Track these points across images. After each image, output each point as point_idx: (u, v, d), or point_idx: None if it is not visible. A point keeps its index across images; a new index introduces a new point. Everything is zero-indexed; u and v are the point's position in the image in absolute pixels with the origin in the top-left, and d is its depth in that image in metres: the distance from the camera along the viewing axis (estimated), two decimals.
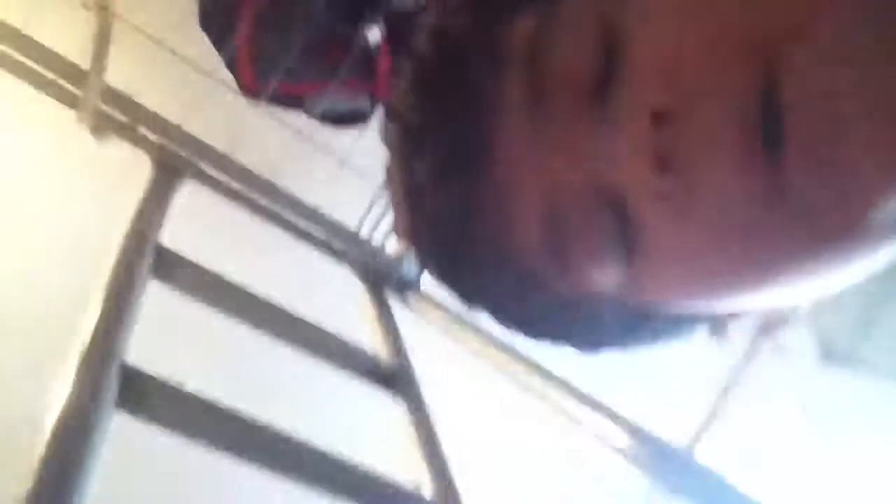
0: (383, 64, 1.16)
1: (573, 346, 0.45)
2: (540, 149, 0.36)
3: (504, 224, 0.38)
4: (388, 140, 0.42)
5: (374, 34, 1.12)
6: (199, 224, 1.16)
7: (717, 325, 0.44)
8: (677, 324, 0.43)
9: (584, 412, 0.99)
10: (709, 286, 0.36)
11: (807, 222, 0.32)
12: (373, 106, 1.18)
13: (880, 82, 0.30)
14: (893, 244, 0.34)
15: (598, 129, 0.35)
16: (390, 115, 0.41)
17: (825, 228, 0.32)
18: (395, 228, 0.45)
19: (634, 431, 0.90)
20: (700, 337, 0.45)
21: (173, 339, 1.09)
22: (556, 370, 1.07)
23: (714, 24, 0.32)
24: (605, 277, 0.38)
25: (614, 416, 0.96)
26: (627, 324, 0.42)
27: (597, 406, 0.98)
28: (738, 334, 0.45)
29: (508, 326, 0.44)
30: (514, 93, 0.37)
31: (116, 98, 0.96)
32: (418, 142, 0.39)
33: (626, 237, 0.36)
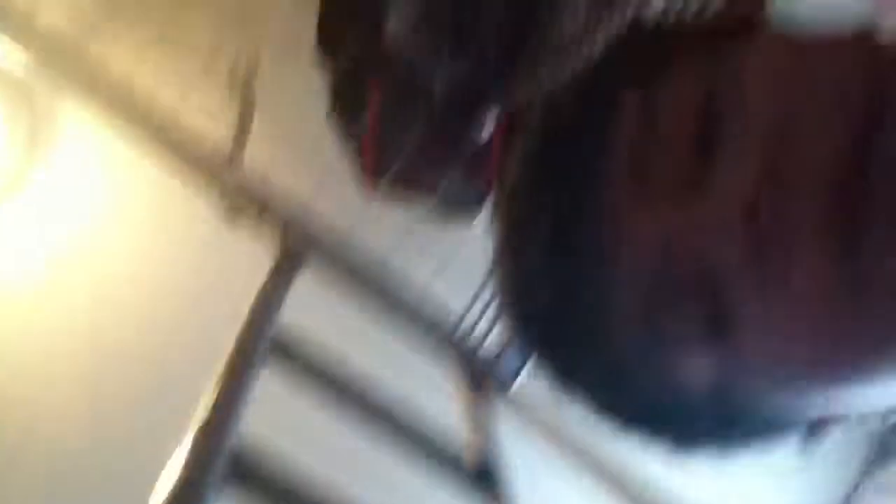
0: (495, 159, 1.18)
1: (664, 441, 0.44)
2: (644, 229, 0.37)
3: (606, 298, 0.38)
4: (497, 232, 0.42)
5: (487, 131, 1.15)
6: (313, 309, 1.19)
7: (811, 432, 0.43)
8: (769, 427, 0.42)
9: None
10: (797, 375, 0.36)
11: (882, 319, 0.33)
12: (481, 199, 1.20)
13: None
14: None
15: (701, 209, 0.35)
16: (500, 203, 0.42)
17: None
18: (503, 320, 0.45)
19: None
20: (794, 446, 0.43)
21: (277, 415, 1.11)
22: (649, 480, 1.03)
23: (816, 119, 0.34)
24: (699, 360, 0.37)
25: None
26: (719, 421, 0.41)
27: None
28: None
29: (602, 412, 0.44)
30: (623, 163, 0.37)
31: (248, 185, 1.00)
32: (531, 225, 0.40)
33: (725, 314, 0.36)
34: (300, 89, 1.04)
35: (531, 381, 1.22)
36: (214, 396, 0.74)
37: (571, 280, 0.39)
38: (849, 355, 0.34)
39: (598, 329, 0.39)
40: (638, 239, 0.37)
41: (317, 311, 1.17)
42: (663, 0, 0.92)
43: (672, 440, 0.44)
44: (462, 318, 1.23)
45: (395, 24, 1.08)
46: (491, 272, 0.45)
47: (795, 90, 0.35)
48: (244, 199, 1.01)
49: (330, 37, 1.11)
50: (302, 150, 1.06)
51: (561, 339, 0.41)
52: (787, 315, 0.34)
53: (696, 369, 0.38)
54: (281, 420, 1.13)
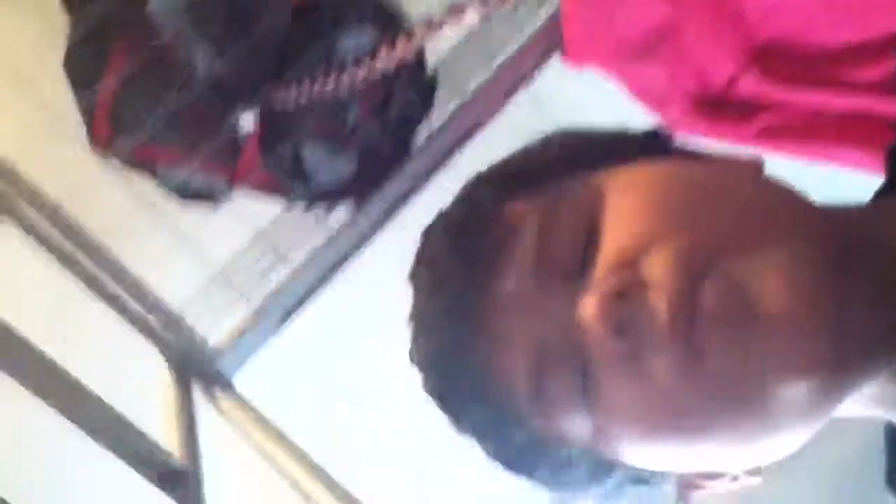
0: (248, 153, 1.14)
1: (544, 483, 0.50)
2: (533, 309, 0.44)
3: (499, 365, 0.45)
4: (413, 276, 0.50)
5: (248, 122, 1.10)
6: (10, 271, 1.07)
7: (684, 489, 0.51)
8: (637, 480, 0.49)
9: None
10: (648, 435, 0.43)
11: (720, 393, 0.41)
12: (227, 190, 1.15)
13: (793, 290, 0.39)
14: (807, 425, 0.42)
15: (576, 301, 0.43)
16: (419, 257, 0.50)
17: (733, 401, 0.41)
18: (409, 352, 0.50)
19: None
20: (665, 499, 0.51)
21: None
22: (357, 493, 1.03)
23: (678, 237, 0.42)
24: (575, 423, 0.45)
25: None
26: (593, 472, 0.48)
27: None
28: None
29: (489, 455, 0.50)
30: (518, 261, 0.45)
31: None
32: (434, 286, 0.47)
33: (590, 386, 0.43)
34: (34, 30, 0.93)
35: (254, 377, 1.18)
36: None
37: (466, 338, 0.46)
38: (682, 427, 0.42)
39: (490, 383, 0.46)
40: (530, 314, 0.44)
41: (13, 271, 1.06)
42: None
43: (548, 481, 0.50)
44: (190, 303, 1.16)
45: None
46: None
47: (651, 215, 0.43)
48: None
49: None
50: (27, 91, 0.95)
51: (459, 387, 0.47)
52: (643, 387, 0.42)
53: (574, 426, 0.45)
54: None
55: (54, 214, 1.00)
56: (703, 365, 0.40)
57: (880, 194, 0.53)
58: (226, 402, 1.12)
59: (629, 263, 0.42)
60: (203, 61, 1.09)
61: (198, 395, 1.10)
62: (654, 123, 0.54)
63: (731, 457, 0.45)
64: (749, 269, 0.40)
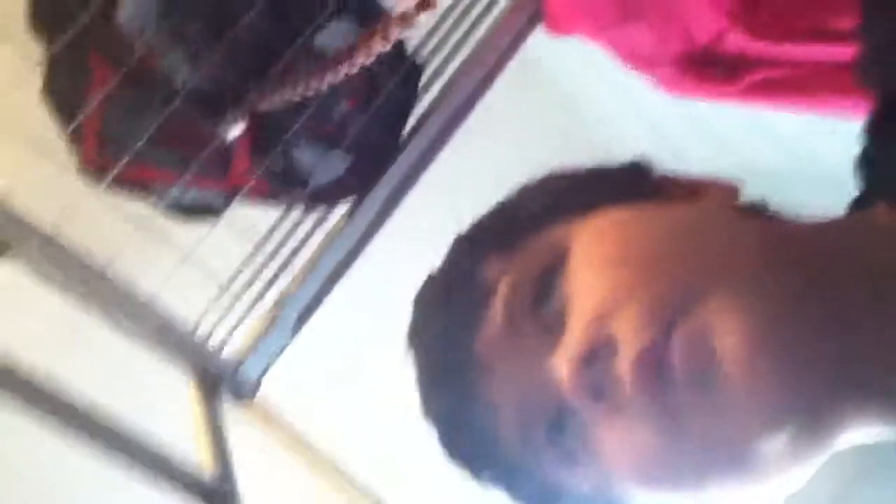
0: (239, 162, 1.12)
1: None
2: (510, 368, 0.46)
3: (493, 419, 0.47)
4: (411, 338, 0.52)
5: (234, 131, 1.08)
6: (18, 307, 1.05)
7: None
8: None
9: None
10: (651, 486, 0.44)
11: (700, 447, 0.41)
12: (225, 203, 1.13)
13: (749, 347, 0.39)
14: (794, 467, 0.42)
15: (549, 359, 0.44)
16: (415, 304, 0.52)
17: (712, 455, 0.41)
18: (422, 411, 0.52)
19: None
20: None
21: None
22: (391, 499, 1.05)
23: (644, 289, 0.42)
24: (574, 472, 0.46)
25: None
26: None
27: None
28: None
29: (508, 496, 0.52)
30: (497, 316, 0.47)
31: None
32: (428, 345, 0.50)
33: (578, 438, 0.44)
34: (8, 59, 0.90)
35: (273, 389, 1.18)
36: None
37: (462, 398, 0.48)
38: (670, 475, 0.43)
39: (492, 439, 0.48)
40: (505, 374, 0.46)
41: (26, 311, 1.04)
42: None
43: None
44: (199, 322, 1.15)
45: (133, 9, 0.97)
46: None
47: (613, 270, 0.43)
48: None
49: (47, 8, 0.97)
50: (8, 128, 0.92)
51: (469, 446, 0.50)
52: (623, 440, 0.42)
53: (574, 478, 0.47)
54: None
55: (53, 248, 0.97)
56: (680, 424, 0.41)
57: (854, 206, 0.50)
58: (251, 412, 1.12)
59: (598, 320, 0.42)
60: (181, 70, 1.06)
61: (224, 408, 1.10)
62: (633, 157, 0.54)
63: (736, 499, 0.44)
64: (710, 321, 0.40)
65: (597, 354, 0.41)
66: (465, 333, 0.47)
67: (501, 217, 0.52)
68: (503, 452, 0.48)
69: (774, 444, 0.40)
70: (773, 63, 1.10)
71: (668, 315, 0.40)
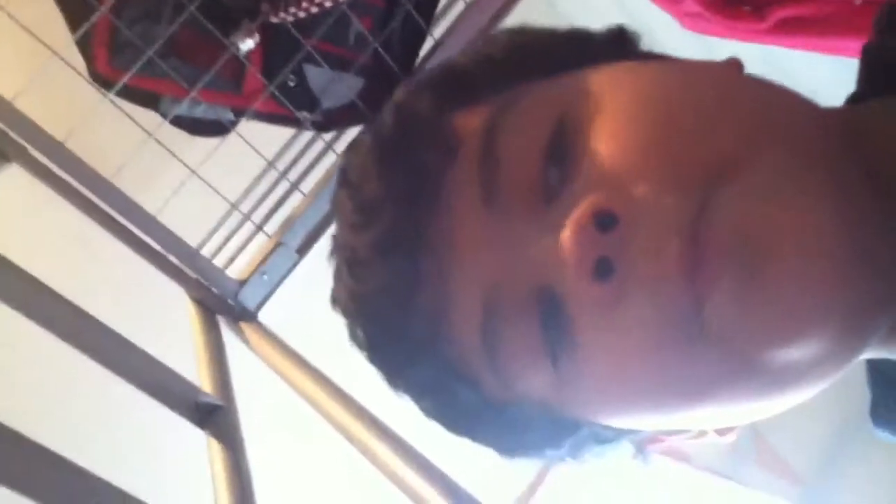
0: (251, 80, 1.10)
1: (491, 446, 0.45)
2: (487, 241, 0.37)
3: (442, 311, 0.38)
4: (336, 205, 0.42)
5: (247, 44, 1.06)
6: (23, 214, 1.04)
7: (641, 445, 0.44)
8: (601, 440, 0.43)
9: (409, 473, 0.94)
10: (630, 397, 0.36)
11: (722, 351, 0.33)
12: (235, 118, 1.11)
13: (809, 226, 0.32)
14: (815, 383, 0.36)
15: (545, 228, 0.35)
16: (342, 183, 0.42)
17: (737, 361, 0.34)
18: (331, 293, 0.44)
19: (454, 491, 0.87)
20: (624, 456, 0.44)
21: None
22: (394, 426, 1.03)
23: (679, 147, 0.34)
24: (535, 377, 0.38)
25: (439, 477, 0.92)
26: (550, 433, 0.42)
27: (425, 465, 0.95)
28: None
29: (428, 414, 0.44)
30: (466, 183, 0.37)
31: None
32: (367, 214, 0.39)
33: (559, 335, 0.36)
34: None
35: (276, 310, 1.17)
36: None
37: (407, 275, 0.38)
38: (680, 381, 0.35)
39: (433, 330, 0.39)
40: (479, 247, 0.37)
41: (23, 218, 1.03)
42: None
43: (498, 444, 0.44)
44: (207, 238, 1.14)
45: None
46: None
47: (643, 122, 0.35)
48: None
49: None
50: (7, 33, 0.90)
51: (392, 336, 0.41)
52: (628, 341, 0.34)
53: (534, 382, 0.38)
54: None
55: (60, 153, 0.96)
56: (707, 318, 0.33)
57: (854, 100, 0.45)
58: (252, 334, 1.10)
59: (617, 182, 0.34)
60: None
61: (225, 329, 1.09)
62: (618, 24, 0.45)
63: (726, 416, 0.38)
64: (764, 187, 0.33)
65: (615, 218, 0.33)
66: (421, 198, 0.38)
67: (472, 63, 0.43)
68: (448, 348, 0.39)
69: (804, 351, 0.33)
70: (801, 0, 1.07)
71: (710, 177, 0.33)
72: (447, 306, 0.38)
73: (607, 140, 0.35)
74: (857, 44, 1.11)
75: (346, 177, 0.42)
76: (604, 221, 0.33)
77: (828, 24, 1.08)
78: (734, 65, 0.42)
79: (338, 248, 0.43)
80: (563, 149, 0.36)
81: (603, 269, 0.33)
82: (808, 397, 0.37)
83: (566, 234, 0.34)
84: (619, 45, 0.45)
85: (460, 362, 0.39)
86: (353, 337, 0.44)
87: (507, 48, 0.43)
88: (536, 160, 0.36)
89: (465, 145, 0.38)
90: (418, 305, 0.39)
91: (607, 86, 0.38)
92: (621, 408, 0.38)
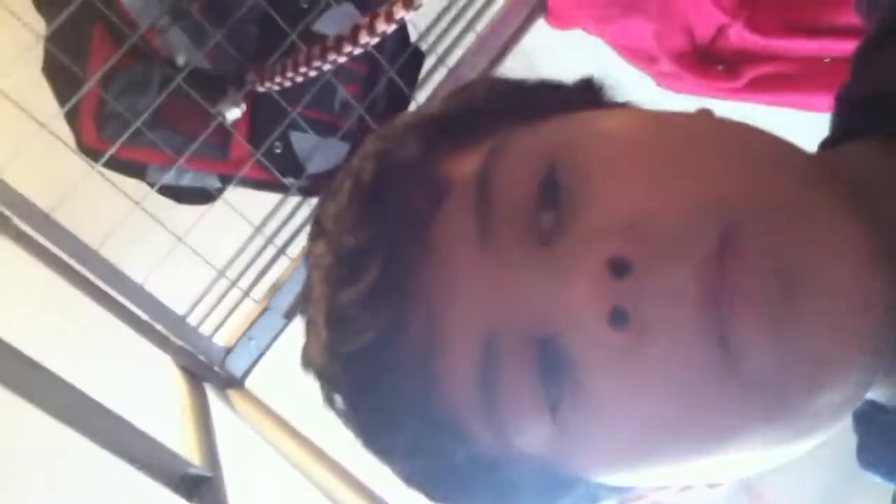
0: (238, 146, 1.11)
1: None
2: (482, 286, 0.35)
3: (435, 364, 0.36)
4: (312, 259, 0.39)
5: (234, 113, 1.07)
6: (5, 282, 1.03)
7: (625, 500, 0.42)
8: (595, 499, 0.41)
9: None
10: (649, 446, 0.35)
11: (756, 392, 0.32)
12: (222, 185, 1.12)
13: (838, 259, 0.31)
14: (832, 427, 0.34)
15: (547, 273, 0.34)
16: (318, 236, 0.39)
17: (773, 402, 0.32)
18: (302, 354, 0.41)
19: None
20: None
21: None
22: (380, 490, 1.01)
23: (685, 185, 0.33)
24: (534, 429, 0.35)
25: None
26: (544, 492, 0.39)
27: None
28: None
29: (412, 480, 0.41)
30: (459, 229, 0.35)
31: None
32: (352, 265, 0.36)
33: (560, 383, 0.34)
34: (10, 38, 0.89)
35: (264, 376, 1.16)
36: None
37: (397, 329, 0.36)
38: (701, 431, 0.33)
39: (424, 387, 0.36)
40: (476, 294, 0.35)
41: (8, 287, 1.02)
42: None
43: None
44: (194, 305, 1.13)
45: None
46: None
47: (647, 162, 0.34)
48: None
49: None
50: (5, 101, 0.91)
51: (377, 392, 0.38)
52: (647, 387, 0.33)
53: (532, 437, 0.36)
54: None
55: (46, 223, 0.96)
56: (738, 358, 0.31)
57: (827, 145, 0.45)
58: (239, 401, 1.09)
59: (625, 224, 0.32)
60: (182, 50, 1.06)
61: (212, 396, 1.08)
62: (587, 74, 0.45)
63: (731, 468, 0.36)
64: (789, 223, 0.32)
65: (628, 265, 0.31)
66: (409, 246, 0.36)
67: (454, 108, 0.41)
68: (439, 405, 0.36)
69: (842, 390, 0.32)
70: (774, 58, 1.10)
71: (722, 215, 0.32)
72: (441, 358, 0.36)
73: (608, 183, 0.34)
74: (825, 99, 1.14)
75: (322, 228, 0.39)
76: (617, 268, 0.32)
77: (798, 81, 1.11)
78: (708, 112, 0.42)
79: (313, 304, 0.39)
80: (557, 192, 0.35)
81: (618, 317, 0.32)
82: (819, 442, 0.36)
83: (581, 283, 0.32)
84: (591, 93, 0.44)
85: (453, 418, 0.37)
86: (329, 400, 0.41)
87: (487, 95, 0.42)
88: (530, 204, 0.35)
89: (456, 191, 0.36)
90: (408, 361, 0.36)
91: (599, 129, 0.37)
92: (633, 459, 0.36)
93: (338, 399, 0.40)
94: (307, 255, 0.41)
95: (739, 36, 1.10)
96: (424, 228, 0.36)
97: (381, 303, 0.36)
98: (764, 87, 1.12)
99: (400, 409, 0.38)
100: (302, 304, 0.41)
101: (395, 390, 0.37)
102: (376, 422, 0.40)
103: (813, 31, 1.07)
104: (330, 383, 0.40)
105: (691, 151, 0.35)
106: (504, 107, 0.41)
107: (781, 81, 1.11)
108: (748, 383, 0.31)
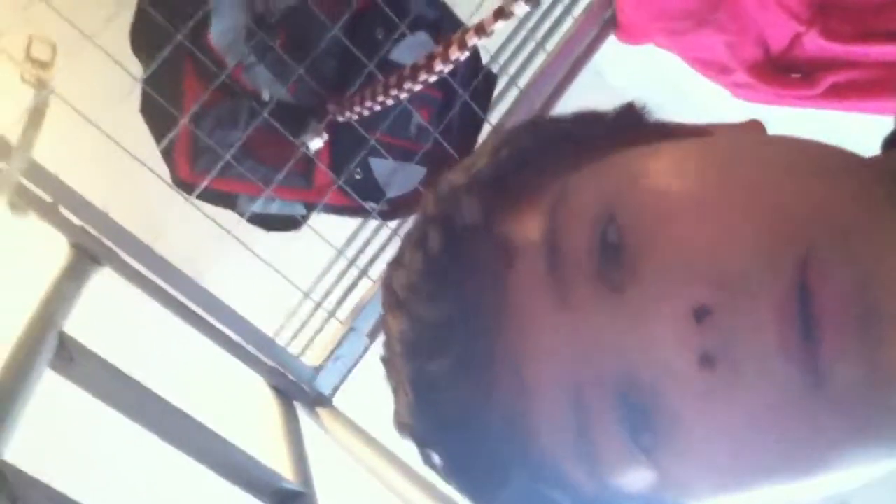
0: (321, 174, 1.16)
1: None
2: (565, 340, 0.35)
3: (529, 423, 0.37)
4: (396, 335, 0.40)
5: (316, 143, 1.12)
6: (110, 313, 1.09)
7: None
8: None
9: None
10: (738, 477, 0.35)
11: (845, 408, 0.32)
12: (307, 213, 1.17)
13: None
14: None
15: (624, 320, 0.34)
16: (395, 308, 0.40)
17: (861, 416, 0.33)
18: (395, 419, 0.42)
19: None
20: None
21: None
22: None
23: (747, 219, 0.33)
24: (631, 470, 0.36)
25: None
26: None
27: None
28: None
29: None
30: (535, 289, 0.36)
31: (41, 175, 0.91)
32: (436, 338, 0.37)
33: (653, 430, 0.35)
34: (100, 82, 0.96)
35: (350, 395, 1.19)
36: None
37: (488, 393, 0.37)
38: (798, 449, 0.34)
39: (525, 446, 0.37)
40: (560, 349, 0.36)
41: (116, 315, 1.09)
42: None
43: None
44: (282, 327, 1.18)
45: (223, 27, 1.03)
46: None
47: (706, 197, 0.34)
48: (34, 192, 0.91)
49: (146, 29, 1.04)
50: (101, 146, 0.98)
51: (482, 459, 0.39)
52: (740, 421, 0.33)
53: (630, 476, 0.37)
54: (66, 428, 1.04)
55: (149, 256, 1.02)
56: (825, 382, 0.32)
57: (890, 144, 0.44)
58: (328, 419, 1.13)
59: (696, 266, 0.33)
60: (267, 84, 1.11)
61: (301, 415, 1.12)
62: (626, 102, 0.45)
63: (832, 485, 0.36)
64: (851, 246, 0.32)
65: (708, 309, 0.32)
66: (488, 311, 0.37)
67: (501, 165, 0.41)
68: (539, 459, 0.37)
69: None
70: (851, 64, 1.09)
71: (801, 239, 0.32)
72: (534, 417, 0.37)
73: (669, 228, 0.35)
74: None
75: (396, 298, 0.40)
76: (699, 314, 0.32)
77: (878, 86, 1.09)
78: (757, 126, 0.42)
79: (398, 373, 0.40)
80: (622, 239, 0.35)
81: (707, 359, 0.32)
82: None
83: (669, 331, 0.33)
84: (634, 118, 0.44)
85: (555, 469, 0.38)
86: (428, 461, 0.42)
87: (534, 144, 0.42)
88: (596, 253, 0.36)
89: (526, 252, 0.37)
90: (501, 424, 0.37)
91: (651, 172, 0.37)
92: (736, 487, 0.36)
93: (435, 457, 0.41)
94: (384, 324, 0.42)
95: (815, 44, 1.09)
96: (500, 293, 0.37)
97: (470, 371, 0.37)
98: (843, 93, 1.10)
99: (501, 469, 0.39)
100: (386, 368, 0.42)
101: (493, 453, 0.38)
102: (481, 481, 0.41)
103: (891, 36, 1.05)
104: (426, 445, 0.41)
105: (744, 182, 0.35)
106: (554, 153, 0.41)
107: (860, 87, 1.09)
108: (840, 400, 0.32)
